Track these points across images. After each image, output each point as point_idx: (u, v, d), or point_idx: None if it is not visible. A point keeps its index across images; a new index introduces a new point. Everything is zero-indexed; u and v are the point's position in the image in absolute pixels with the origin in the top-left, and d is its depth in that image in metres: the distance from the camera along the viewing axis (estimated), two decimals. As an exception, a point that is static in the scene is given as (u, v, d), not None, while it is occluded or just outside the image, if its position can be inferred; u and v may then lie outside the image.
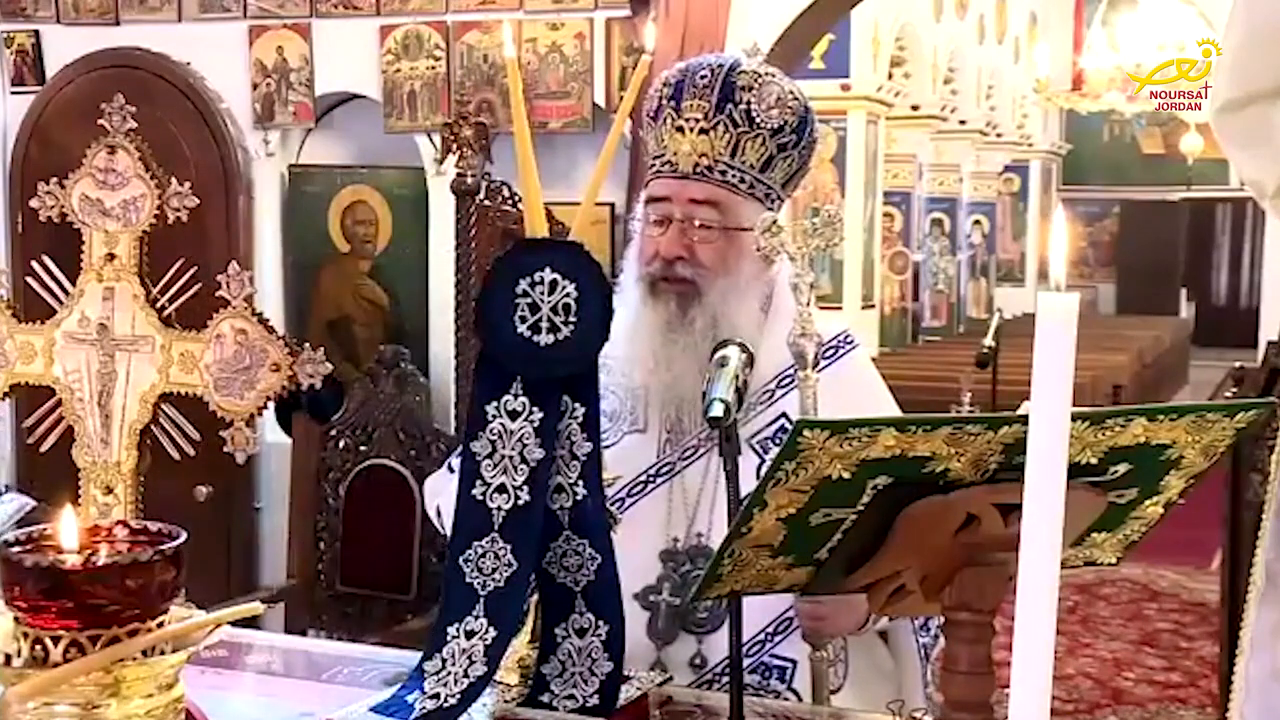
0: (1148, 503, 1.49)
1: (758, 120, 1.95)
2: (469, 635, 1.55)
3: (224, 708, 1.69)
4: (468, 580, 1.56)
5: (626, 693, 1.72)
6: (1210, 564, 6.30)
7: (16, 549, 1.23)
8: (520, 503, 1.55)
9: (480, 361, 1.58)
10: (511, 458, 1.55)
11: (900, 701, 1.75)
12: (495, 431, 1.56)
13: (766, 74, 1.98)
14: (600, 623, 1.61)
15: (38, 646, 1.20)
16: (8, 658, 1.21)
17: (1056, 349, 0.86)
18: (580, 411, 1.58)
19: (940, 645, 2.05)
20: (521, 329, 1.53)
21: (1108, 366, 10.91)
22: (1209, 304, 17.61)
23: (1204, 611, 6.05)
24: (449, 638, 1.56)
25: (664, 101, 2.00)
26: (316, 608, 4.09)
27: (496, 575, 1.56)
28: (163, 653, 1.24)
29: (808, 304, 1.86)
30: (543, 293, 1.53)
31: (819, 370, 1.94)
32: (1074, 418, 0.94)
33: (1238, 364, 3.00)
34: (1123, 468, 1.38)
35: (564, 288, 1.52)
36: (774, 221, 1.89)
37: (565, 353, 1.53)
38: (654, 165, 2.01)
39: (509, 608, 1.57)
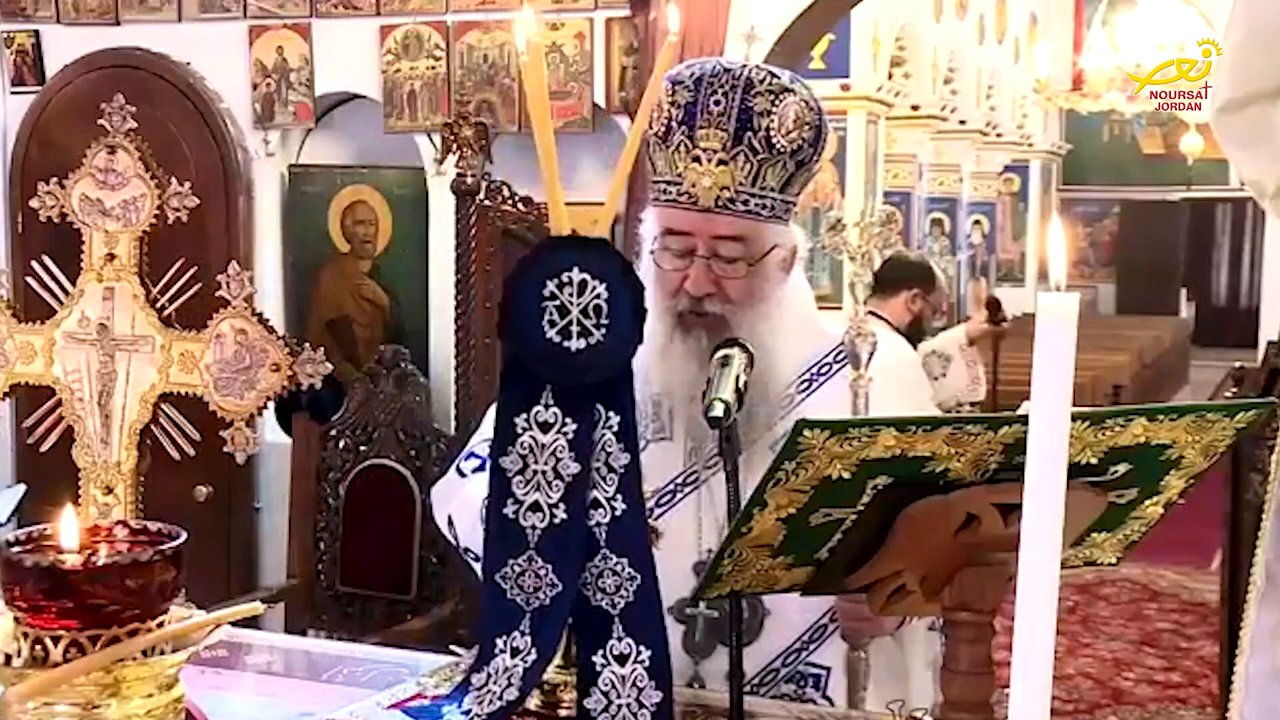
0: (1148, 503, 1.49)
1: (778, 146, 1.86)
2: (514, 653, 1.48)
3: (224, 708, 1.69)
4: (509, 597, 1.48)
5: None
6: (1210, 564, 6.30)
7: (16, 549, 1.23)
8: (557, 521, 1.46)
9: (506, 370, 1.49)
10: (545, 473, 1.46)
11: (900, 701, 1.74)
12: (526, 445, 1.46)
13: (781, 90, 1.87)
14: (642, 648, 1.49)
15: (38, 646, 1.20)
16: (8, 658, 1.21)
17: (1056, 349, 0.86)
18: (615, 420, 1.47)
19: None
20: (551, 334, 1.43)
21: (1108, 366, 10.92)
22: (1209, 304, 17.61)
23: (1204, 611, 6.05)
24: (496, 651, 1.49)
25: (674, 124, 1.89)
26: (316, 608, 4.09)
27: (541, 594, 1.47)
28: (163, 653, 1.24)
29: (865, 304, 1.84)
30: (572, 295, 1.43)
31: (833, 376, 1.95)
32: (1074, 418, 0.94)
33: (1238, 364, 3.01)
34: (1123, 468, 1.38)
35: (594, 288, 1.43)
36: (838, 220, 1.86)
37: (599, 358, 1.43)
38: (667, 191, 1.91)
39: (552, 629, 1.48)
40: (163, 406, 2.29)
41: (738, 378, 1.71)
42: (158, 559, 1.22)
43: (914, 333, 4.83)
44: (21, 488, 3.99)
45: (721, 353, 1.77)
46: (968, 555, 1.39)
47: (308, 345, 2.23)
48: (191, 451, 2.29)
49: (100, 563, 1.22)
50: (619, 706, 1.48)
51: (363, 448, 4.11)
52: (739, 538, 1.39)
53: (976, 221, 13.95)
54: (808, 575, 1.48)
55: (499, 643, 1.50)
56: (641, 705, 1.48)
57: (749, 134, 1.85)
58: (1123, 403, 8.25)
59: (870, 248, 1.82)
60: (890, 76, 9.80)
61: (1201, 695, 5.11)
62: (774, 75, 1.90)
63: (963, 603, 1.40)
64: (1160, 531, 1.55)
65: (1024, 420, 1.02)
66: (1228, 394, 2.95)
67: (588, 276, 1.43)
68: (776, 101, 1.87)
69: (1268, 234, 8.51)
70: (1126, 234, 17.51)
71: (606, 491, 1.48)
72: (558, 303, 1.43)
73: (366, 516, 4.08)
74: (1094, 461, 1.36)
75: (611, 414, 1.47)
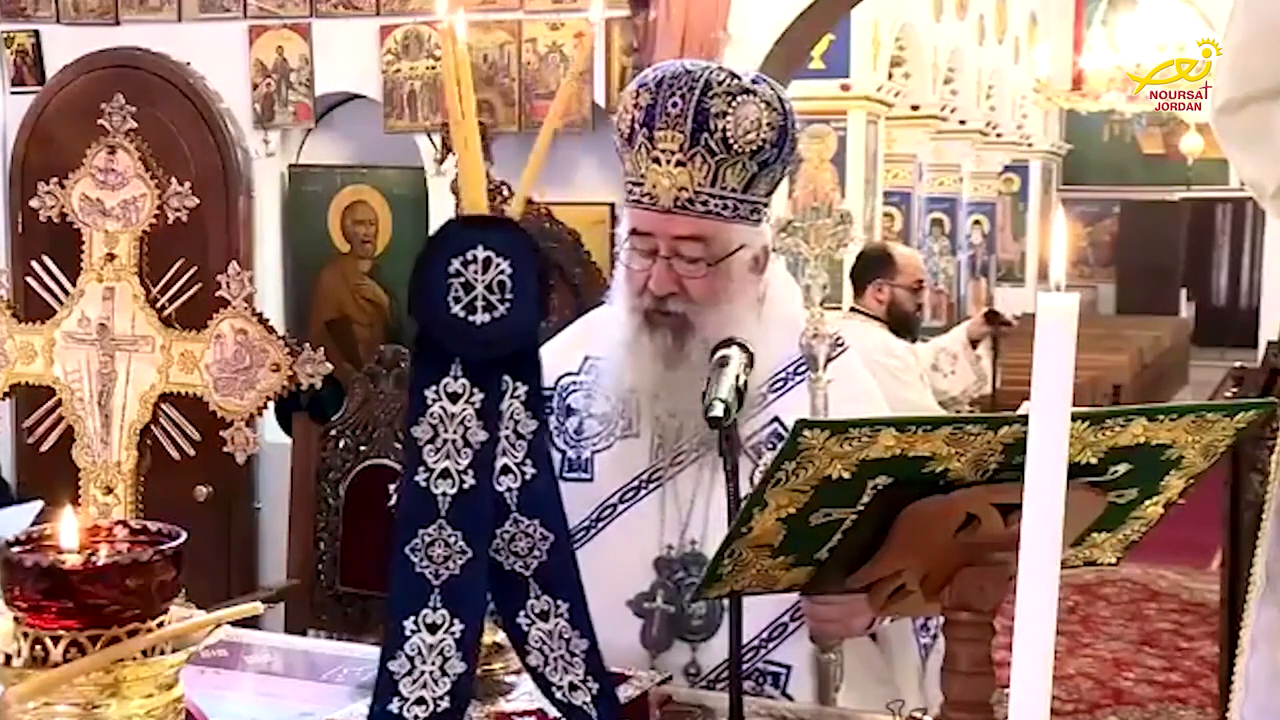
0: (1148, 503, 1.49)
1: (735, 146, 1.87)
2: (432, 629, 1.51)
3: (224, 708, 1.69)
4: (418, 570, 1.51)
5: (626, 692, 1.72)
6: (1210, 564, 6.30)
7: (16, 549, 1.23)
8: (465, 487, 1.51)
9: (417, 345, 1.55)
10: (454, 441, 1.51)
11: (900, 701, 1.75)
12: (436, 416, 1.51)
13: (740, 91, 1.89)
14: (559, 602, 1.56)
15: (38, 646, 1.20)
16: (8, 658, 1.21)
17: (1056, 349, 0.86)
18: (522, 390, 1.54)
19: (939, 644, 2.06)
20: (456, 309, 1.48)
21: (1108, 366, 10.92)
22: (1209, 304, 17.61)
23: (1204, 611, 6.05)
24: (408, 633, 1.51)
25: (636, 127, 1.92)
26: (316, 608, 4.08)
27: (450, 564, 1.51)
28: (163, 653, 1.24)
29: (820, 305, 1.85)
30: (476, 271, 1.48)
31: (808, 376, 1.95)
32: (1074, 418, 0.94)
33: (1238, 364, 3.00)
34: (1123, 468, 1.38)
35: (498, 265, 1.48)
36: (789, 222, 1.87)
37: (503, 331, 1.49)
38: (633, 192, 1.95)
39: (471, 596, 1.52)
40: (163, 406, 2.29)
41: (737, 377, 1.71)
42: (158, 559, 1.23)
43: (900, 320, 4.87)
44: (39, 504, 3.98)
45: (720, 353, 1.77)
46: (968, 555, 1.39)
47: (308, 345, 2.23)
48: (191, 451, 2.30)
49: (100, 563, 1.22)
50: (556, 659, 1.56)
51: (363, 448, 4.11)
52: (739, 538, 1.39)
53: (976, 221, 13.96)
54: (808, 575, 1.49)
55: (408, 624, 1.51)
56: (572, 654, 1.56)
57: (705, 134, 1.87)
58: (1123, 403, 8.25)
59: (823, 249, 1.82)
60: (890, 76, 9.81)
61: (1201, 695, 5.11)
62: (734, 76, 1.91)
63: (963, 603, 1.40)
64: (1160, 531, 1.55)
65: (1024, 420, 1.02)
66: (1228, 394, 2.94)
67: (491, 254, 1.48)
68: (733, 103, 1.88)
69: (1268, 234, 8.53)
70: (1126, 234, 17.51)
71: (516, 457, 1.54)
72: (463, 279, 1.48)
73: (366, 516, 4.08)
74: (1094, 461, 1.36)
75: (519, 384, 1.54)
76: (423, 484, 1.52)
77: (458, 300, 1.48)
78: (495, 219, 1.54)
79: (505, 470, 1.54)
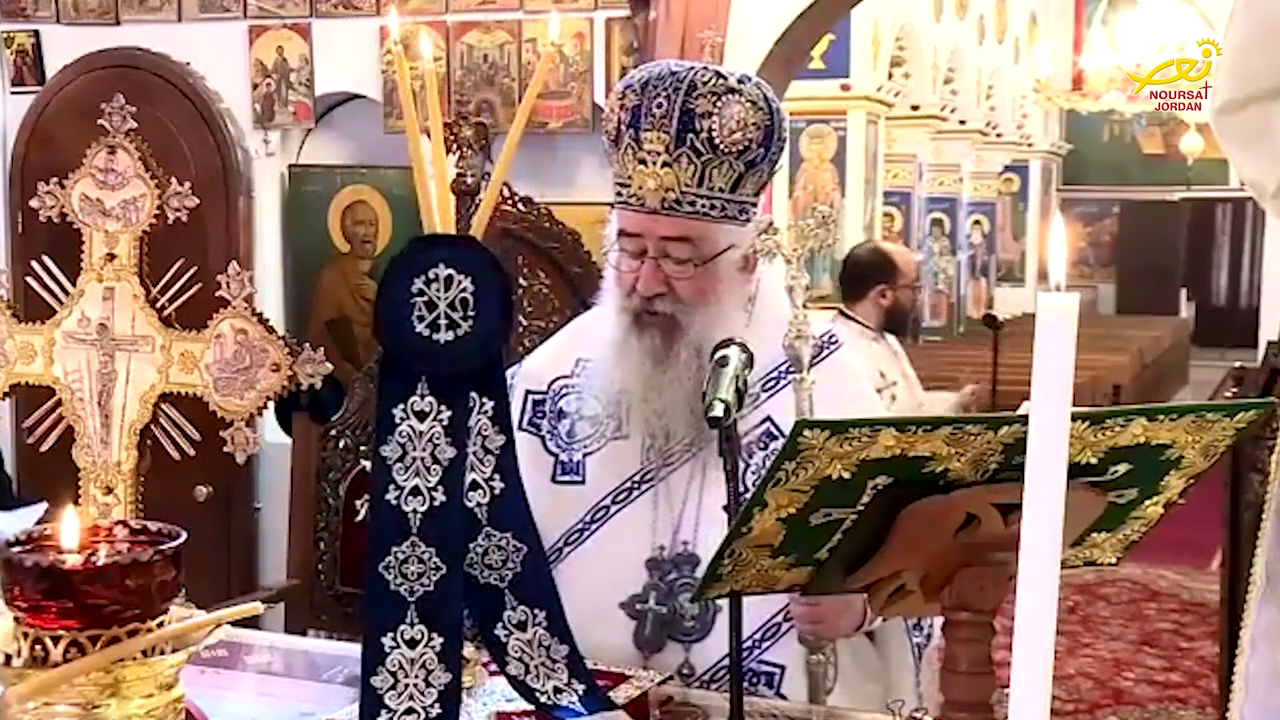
0: (1148, 503, 1.49)
1: (721, 147, 1.87)
2: (411, 644, 1.51)
3: (224, 708, 1.69)
4: (392, 588, 1.52)
5: (626, 692, 1.72)
6: (1210, 564, 6.30)
7: (16, 549, 1.23)
8: (436, 504, 1.52)
9: (383, 364, 1.57)
10: (423, 459, 1.52)
11: (900, 701, 1.75)
12: (404, 434, 1.52)
13: (725, 91, 1.89)
14: (537, 611, 1.60)
15: (38, 646, 1.20)
16: (8, 658, 1.22)
17: (1056, 349, 0.86)
18: (489, 406, 1.57)
19: (933, 644, 2.06)
20: (420, 328, 1.50)
21: (1108, 366, 10.91)
22: (1209, 304, 17.60)
23: (1204, 611, 6.05)
24: (387, 649, 1.52)
25: (622, 128, 1.93)
26: (316, 608, 4.08)
27: (424, 580, 1.52)
28: (163, 653, 1.24)
29: (803, 306, 1.85)
30: (439, 290, 1.50)
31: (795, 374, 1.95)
32: (1074, 418, 0.94)
33: (1238, 364, 3.00)
34: (1123, 468, 1.38)
35: (460, 283, 1.50)
36: (770, 223, 1.87)
37: (466, 349, 1.51)
38: (620, 193, 1.95)
39: (448, 610, 1.53)
40: (163, 406, 2.29)
41: (736, 377, 1.71)
42: (158, 559, 1.23)
43: (897, 324, 4.78)
44: (43, 505, 3.99)
45: (720, 353, 1.77)
46: (968, 555, 1.39)
47: (308, 345, 2.24)
48: (191, 451, 2.30)
49: (100, 563, 1.23)
50: (537, 667, 1.61)
51: (363, 448, 4.10)
52: (739, 538, 1.39)
53: (976, 221, 13.96)
54: (808, 575, 1.49)
55: (386, 641, 1.52)
56: (554, 660, 1.60)
57: (690, 134, 1.88)
58: (1123, 403, 8.25)
59: (805, 249, 1.83)
60: (890, 76, 9.81)
61: (1201, 695, 5.11)
62: (720, 77, 1.91)
63: (963, 603, 1.40)
64: (1160, 531, 1.55)
65: (1024, 420, 1.02)
66: (1228, 394, 2.94)
67: (453, 272, 1.51)
68: (718, 103, 1.89)
69: (1268, 234, 8.52)
70: (1126, 234, 17.51)
71: (484, 472, 1.59)
72: (425, 298, 1.51)
73: (366, 516, 4.08)
74: (1094, 461, 1.36)
75: (486, 400, 1.57)
76: (393, 502, 1.53)
77: (421, 319, 1.50)
78: (457, 237, 1.57)
79: (474, 485, 1.57)
